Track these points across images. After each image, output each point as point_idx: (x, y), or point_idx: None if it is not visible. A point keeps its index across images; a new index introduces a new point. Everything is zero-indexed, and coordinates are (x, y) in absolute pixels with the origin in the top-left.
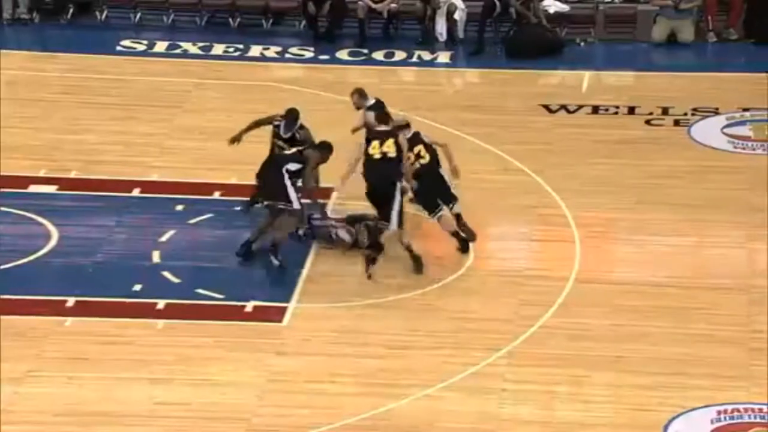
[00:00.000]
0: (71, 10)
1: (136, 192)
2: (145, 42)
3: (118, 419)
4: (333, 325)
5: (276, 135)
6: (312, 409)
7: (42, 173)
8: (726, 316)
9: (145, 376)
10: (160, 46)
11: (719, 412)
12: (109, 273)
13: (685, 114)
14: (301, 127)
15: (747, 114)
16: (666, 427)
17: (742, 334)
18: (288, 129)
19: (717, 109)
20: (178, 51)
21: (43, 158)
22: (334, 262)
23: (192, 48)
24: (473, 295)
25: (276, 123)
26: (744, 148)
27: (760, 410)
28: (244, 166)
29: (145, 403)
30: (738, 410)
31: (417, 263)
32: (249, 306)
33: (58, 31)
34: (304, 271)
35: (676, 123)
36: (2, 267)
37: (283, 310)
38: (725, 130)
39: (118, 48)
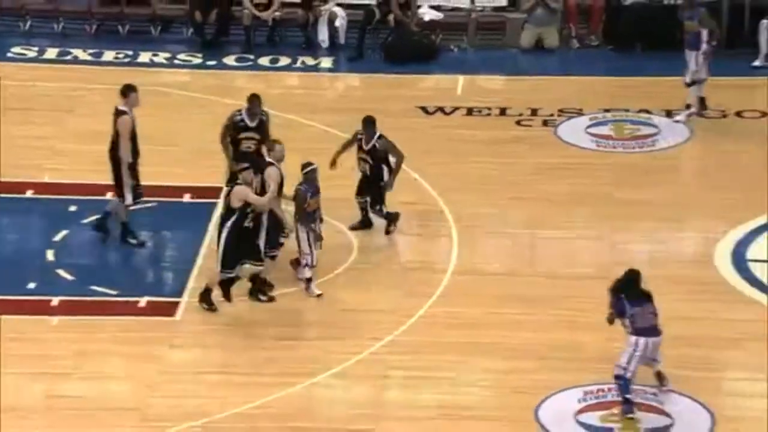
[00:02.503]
0: None
1: (29, 193)
2: (36, 48)
3: (11, 413)
4: (224, 319)
5: (241, 128)
6: (203, 398)
7: None
8: (589, 302)
9: (39, 371)
10: (51, 53)
11: (585, 393)
12: (3, 271)
13: (552, 115)
14: (263, 113)
15: (608, 114)
16: (537, 408)
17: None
18: (253, 117)
19: (581, 109)
20: (68, 57)
21: None
22: None
23: (82, 54)
24: (358, 287)
25: (237, 117)
26: (606, 147)
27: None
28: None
29: (38, 398)
30: (602, 390)
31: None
32: (142, 301)
33: None
34: (195, 268)
35: (545, 123)
36: None
37: (176, 305)
38: (589, 130)
39: (9, 54)
